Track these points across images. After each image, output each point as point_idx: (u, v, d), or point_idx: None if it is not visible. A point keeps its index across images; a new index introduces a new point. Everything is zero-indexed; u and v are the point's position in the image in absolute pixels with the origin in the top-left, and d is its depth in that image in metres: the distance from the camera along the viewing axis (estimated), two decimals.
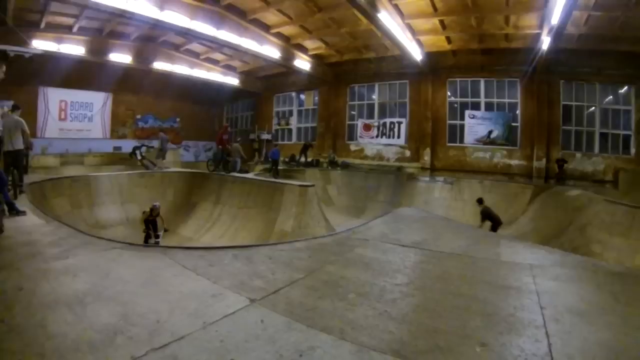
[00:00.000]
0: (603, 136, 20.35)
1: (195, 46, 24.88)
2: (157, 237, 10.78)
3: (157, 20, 16.40)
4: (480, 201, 14.21)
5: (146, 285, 3.87)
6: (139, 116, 29.69)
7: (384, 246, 5.84)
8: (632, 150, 19.59)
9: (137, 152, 18.67)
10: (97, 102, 27.15)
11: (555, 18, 14.31)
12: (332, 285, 4.10)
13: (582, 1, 13.94)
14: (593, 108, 20.64)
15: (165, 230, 11.35)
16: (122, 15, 15.79)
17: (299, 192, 12.16)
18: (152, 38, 23.30)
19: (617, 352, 2.82)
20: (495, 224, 13.06)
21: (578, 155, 20.45)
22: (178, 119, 32.10)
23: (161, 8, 16.09)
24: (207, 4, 17.54)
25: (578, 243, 11.13)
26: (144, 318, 3.05)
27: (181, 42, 24.18)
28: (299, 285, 4.05)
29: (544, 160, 20.66)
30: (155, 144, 21.22)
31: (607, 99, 20.57)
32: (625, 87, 20.10)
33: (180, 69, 25.98)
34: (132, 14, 15.37)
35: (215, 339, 2.77)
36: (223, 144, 17.43)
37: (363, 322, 3.15)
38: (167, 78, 26.53)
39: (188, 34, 19.03)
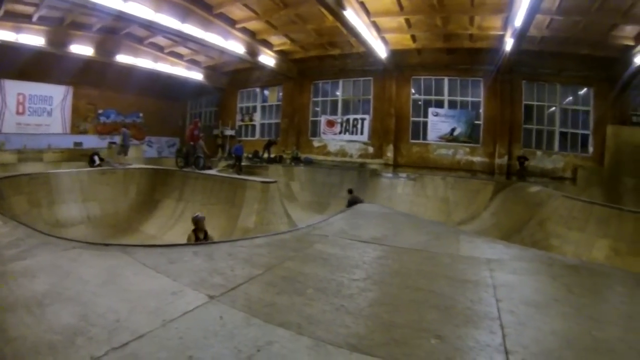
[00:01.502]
0: (563, 135, 21.16)
1: (159, 39, 24.35)
2: None
3: (121, 12, 15.95)
4: (350, 191, 16.32)
5: (106, 284, 3.76)
6: (100, 111, 28.86)
7: (343, 242, 5.83)
8: (590, 149, 20.51)
9: (95, 157, 18.19)
10: (57, 95, 26.34)
11: (518, 21, 14.69)
12: (291, 281, 4.07)
13: (545, 5, 14.29)
14: (553, 108, 21.40)
15: None
16: (84, 5, 15.38)
17: (261, 189, 12.07)
18: (115, 30, 22.62)
19: (570, 341, 2.90)
20: None
21: (539, 153, 21.17)
22: (141, 114, 31.39)
23: None
24: None
25: (538, 237, 11.47)
26: (104, 318, 2.98)
27: (145, 34, 23.60)
28: (257, 281, 4.01)
29: (505, 158, 21.21)
30: (117, 139, 20.78)
31: (567, 100, 21.41)
32: (585, 89, 21.02)
33: (144, 62, 25.38)
34: (95, 4, 14.94)
35: (174, 336, 2.73)
36: (195, 140, 17.10)
37: (320, 317, 3.14)
38: (130, 72, 25.81)
39: (152, 27, 18.68)
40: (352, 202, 13.90)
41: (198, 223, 8.87)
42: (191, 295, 3.51)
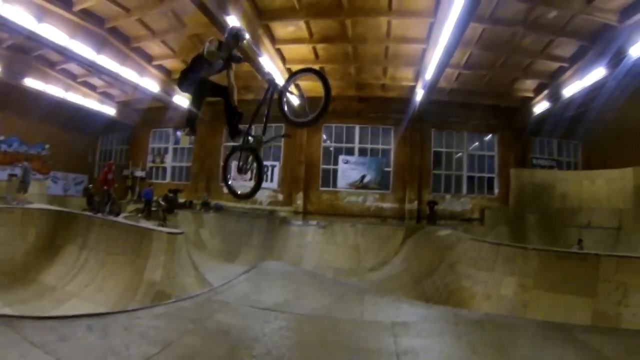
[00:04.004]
0: (470, 179, 22.84)
1: (72, 67, 22.89)
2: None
3: (33, 33, 15.13)
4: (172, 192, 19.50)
5: None
6: (2, 137, 26.36)
7: (244, 310, 5.74)
8: (496, 191, 22.45)
9: None
10: None
11: (429, 74, 15.67)
12: None
13: (453, 60, 15.28)
14: (461, 154, 22.99)
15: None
16: None
17: (167, 240, 11.32)
18: (26, 50, 20.75)
19: None
20: None
21: (448, 196, 22.49)
22: (47, 146, 28.53)
23: (39, 19, 14.88)
24: (90, 24, 16.36)
25: (449, 279, 11.93)
26: None
27: (58, 59, 22.04)
28: None
29: (415, 203, 22.09)
30: (18, 172, 19.36)
31: (473, 146, 23.18)
32: (490, 136, 23.04)
33: (54, 89, 23.77)
34: (5, 20, 13.97)
35: None
36: (109, 185, 15.88)
37: None
38: (38, 97, 23.78)
39: (66, 53, 17.72)
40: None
41: None
42: None
